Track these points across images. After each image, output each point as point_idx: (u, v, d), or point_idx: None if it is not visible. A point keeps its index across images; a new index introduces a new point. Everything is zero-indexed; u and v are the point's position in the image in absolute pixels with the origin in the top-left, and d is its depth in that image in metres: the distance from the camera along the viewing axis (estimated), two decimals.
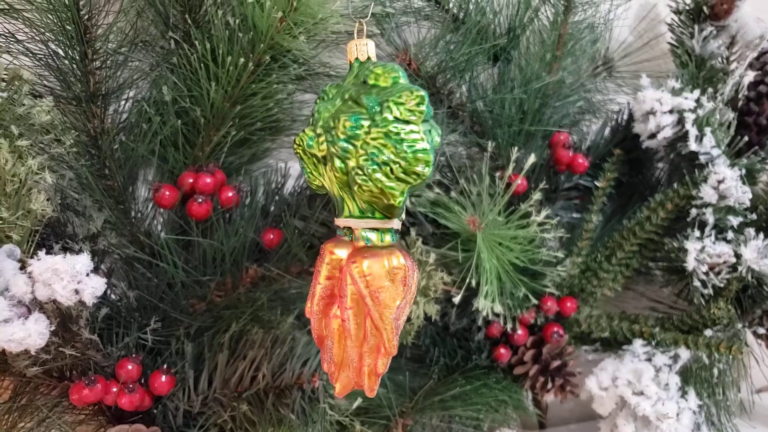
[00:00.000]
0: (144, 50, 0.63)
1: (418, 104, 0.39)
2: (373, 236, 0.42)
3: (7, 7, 0.55)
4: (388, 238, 0.43)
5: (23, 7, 0.55)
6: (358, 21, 0.44)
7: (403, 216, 0.45)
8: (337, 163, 0.41)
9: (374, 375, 0.42)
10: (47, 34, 0.57)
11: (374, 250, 0.42)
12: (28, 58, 0.58)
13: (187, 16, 0.61)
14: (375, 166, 0.40)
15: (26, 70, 0.57)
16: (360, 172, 0.40)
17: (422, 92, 0.40)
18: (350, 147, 0.40)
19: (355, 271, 0.41)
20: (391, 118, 0.39)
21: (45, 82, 0.59)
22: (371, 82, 0.41)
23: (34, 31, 0.56)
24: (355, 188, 0.41)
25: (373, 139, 0.40)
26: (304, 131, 0.43)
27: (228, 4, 0.60)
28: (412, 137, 0.39)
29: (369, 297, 0.41)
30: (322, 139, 0.42)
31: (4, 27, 0.56)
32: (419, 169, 0.39)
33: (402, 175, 0.40)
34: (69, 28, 0.56)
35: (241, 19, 0.59)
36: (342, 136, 0.40)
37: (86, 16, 0.57)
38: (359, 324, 0.42)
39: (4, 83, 0.56)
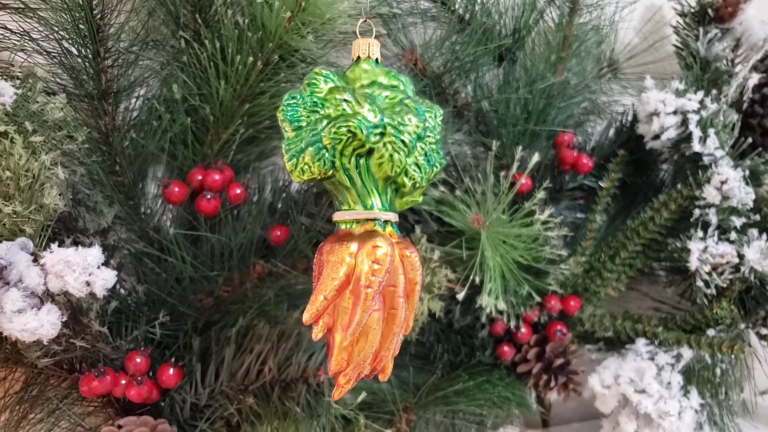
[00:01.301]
0: (155, 49, 0.64)
1: (441, 119, 0.47)
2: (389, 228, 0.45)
3: (23, 6, 0.56)
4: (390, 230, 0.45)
5: (39, 6, 0.56)
6: (365, 20, 0.45)
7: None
8: (402, 157, 0.43)
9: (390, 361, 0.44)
10: (61, 32, 0.58)
11: (403, 241, 0.45)
12: (42, 56, 0.59)
13: (197, 15, 0.62)
14: (430, 166, 0.45)
15: (40, 67, 0.58)
16: (418, 170, 0.45)
17: (441, 110, 0.46)
18: (415, 145, 0.44)
19: (416, 259, 0.43)
20: (433, 126, 0.46)
21: (58, 80, 0.60)
22: (399, 86, 0.46)
23: (48, 29, 0.58)
24: (409, 183, 0.44)
25: (430, 141, 0.45)
26: (357, 120, 0.42)
27: (238, 4, 0.61)
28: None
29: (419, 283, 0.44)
30: (377, 131, 0.43)
31: (20, 26, 0.58)
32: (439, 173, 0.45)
33: (432, 177, 0.46)
34: (82, 27, 0.58)
35: (250, 19, 0.60)
36: (413, 135, 0.44)
37: (99, 16, 0.58)
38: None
39: (19, 81, 0.57)
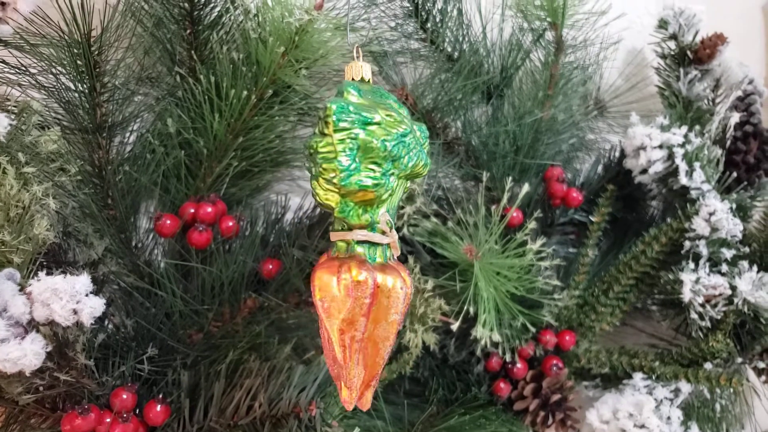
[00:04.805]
0: (150, 84, 0.66)
1: (327, 116, 0.43)
2: (341, 246, 0.45)
3: (25, 42, 0.57)
4: (359, 249, 0.44)
5: (39, 42, 0.57)
6: (355, 47, 0.47)
7: (383, 226, 0.45)
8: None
9: (347, 387, 0.43)
10: (59, 67, 0.59)
11: (331, 261, 0.44)
12: (38, 90, 0.60)
13: (193, 53, 0.64)
14: (314, 180, 0.44)
15: (36, 101, 0.59)
16: (313, 186, 0.44)
17: (333, 103, 0.43)
18: (312, 164, 0.44)
19: (314, 283, 0.43)
20: (318, 132, 0.43)
21: (53, 114, 0.61)
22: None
23: (47, 64, 0.59)
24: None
25: (310, 155, 0.44)
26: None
27: (233, 42, 0.63)
28: (324, 149, 0.43)
29: (320, 308, 0.42)
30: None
31: (19, 61, 0.59)
32: (331, 177, 0.43)
33: (327, 186, 0.43)
34: (80, 62, 0.59)
35: (245, 55, 0.61)
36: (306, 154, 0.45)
37: (96, 52, 0.60)
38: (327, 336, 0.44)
39: (14, 114, 0.57)
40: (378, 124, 0.43)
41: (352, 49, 0.49)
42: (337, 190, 0.43)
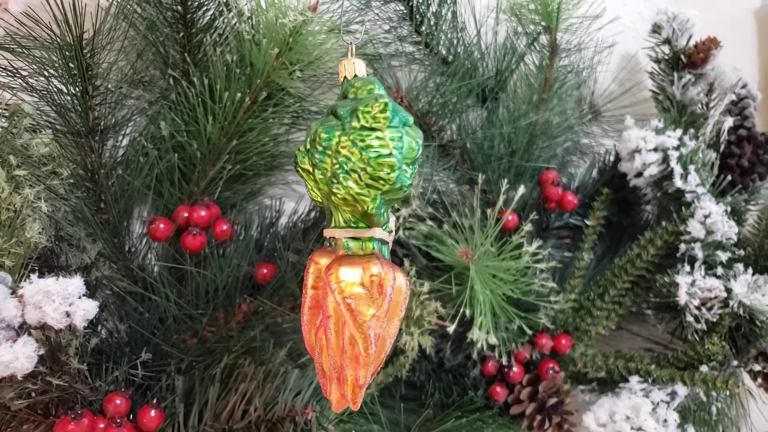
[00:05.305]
0: (143, 87, 0.65)
1: (381, 111, 0.41)
2: (354, 245, 0.43)
3: (16, 45, 0.57)
4: (370, 247, 0.43)
5: (30, 45, 0.57)
6: (349, 43, 0.47)
7: (392, 225, 0.45)
8: (318, 174, 0.42)
9: (356, 387, 0.42)
10: (50, 70, 0.58)
11: (352, 258, 0.42)
12: (30, 93, 0.59)
13: (186, 55, 0.63)
14: (345, 174, 0.41)
15: (27, 104, 0.58)
16: (334, 181, 0.41)
17: (386, 99, 0.41)
18: (325, 157, 0.41)
19: (331, 279, 0.41)
20: (357, 126, 0.41)
21: (44, 117, 0.60)
22: (350, 96, 0.43)
23: (39, 67, 0.58)
24: (332, 197, 0.42)
25: (343, 147, 0.41)
26: (298, 149, 0.44)
27: (227, 44, 0.63)
28: (377, 143, 0.41)
29: (343, 305, 0.41)
30: (306, 153, 0.43)
31: (11, 64, 0.58)
32: (383, 173, 0.41)
33: (370, 181, 0.41)
34: (72, 65, 0.58)
35: (238, 57, 0.61)
36: (319, 148, 0.42)
37: (89, 54, 0.59)
38: (338, 333, 0.42)
39: (5, 117, 0.57)
40: (411, 126, 0.43)
41: (347, 48, 0.49)
42: (381, 187, 0.41)
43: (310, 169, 0.43)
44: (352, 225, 0.43)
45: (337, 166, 0.41)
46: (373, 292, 0.41)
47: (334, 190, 0.41)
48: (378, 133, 0.41)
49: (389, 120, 0.41)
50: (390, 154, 0.40)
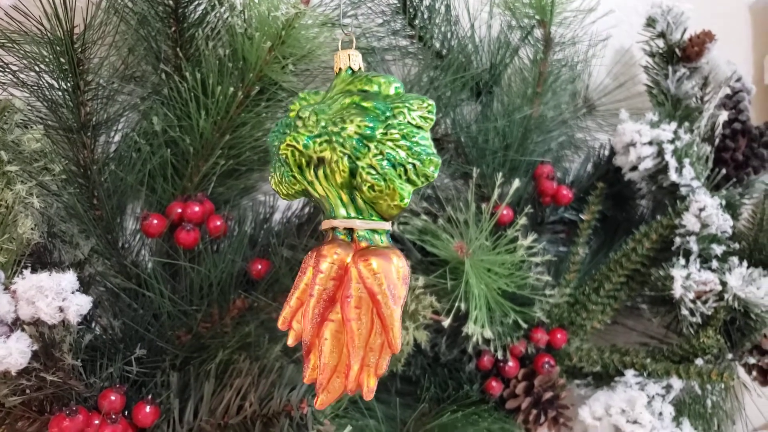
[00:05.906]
0: (135, 82, 0.65)
1: (429, 111, 0.43)
2: (376, 237, 0.43)
3: (6, 39, 0.56)
4: (385, 239, 0.44)
5: (20, 39, 0.56)
6: (347, 33, 0.46)
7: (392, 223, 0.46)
8: (345, 162, 0.42)
9: (375, 376, 0.42)
10: (41, 65, 0.58)
11: (379, 250, 0.42)
12: (21, 88, 0.59)
13: (178, 50, 0.63)
14: (390, 166, 0.42)
15: (18, 99, 0.58)
16: (373, 171, 0.42)
17: (432, 101, 0.43)
18: (363, 147, 0.42)
19: (367, 270, 0.41)
20: (404, 122, 0.42)
21: (36, 113, 0.60)
22: (372, 90, 0.44)
23: (29, 62, 0.58)
24: (365, 187, 0.42)
25: (390, 140, 0.42)
26: (294, 133, 0.43)
27: (219, 38, 0.62)
28: (425, 141, 0.42)
29: (381, 294, 0.41)
30: (321, 139, 0.42)
31: (1, 59, 0.58)
32: (430, 171, 0.42)
33: (413, 177, 0.42)
34: (63, 60, 0.58)
35: (231, 51, 0.61)
36: (355, 136, 0.42)
37: (80, 49, 0.59)
38: (365, 323, 0.42)
39: None
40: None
41: (340, 41, 0.49)
42: (420, 183, 0.42)
43: (317, 157, 0.42)
44: (366, 217, 0.43)
45: (381, 157, 0.41)
46: (402, 282, 0.42)
47: (371, 181, 0.42)
48: (424, 133, 0.42)
49: (433, 122, 0.42)
50: (436, 154, 0.42)
